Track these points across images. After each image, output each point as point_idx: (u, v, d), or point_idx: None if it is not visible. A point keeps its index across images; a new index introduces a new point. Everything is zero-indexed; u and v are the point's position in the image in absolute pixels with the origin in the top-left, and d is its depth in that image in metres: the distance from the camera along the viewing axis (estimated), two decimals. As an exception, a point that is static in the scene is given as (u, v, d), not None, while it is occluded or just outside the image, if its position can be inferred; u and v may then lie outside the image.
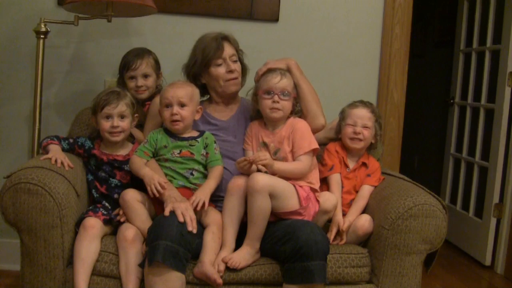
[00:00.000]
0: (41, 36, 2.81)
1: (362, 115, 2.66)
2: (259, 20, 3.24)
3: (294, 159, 2.43)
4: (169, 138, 2.48)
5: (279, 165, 2.37)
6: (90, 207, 2.43)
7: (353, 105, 2.71)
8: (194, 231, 2.17)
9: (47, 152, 2.45)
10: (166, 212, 2.18)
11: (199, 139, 2.49)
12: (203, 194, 2.33)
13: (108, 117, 2.48)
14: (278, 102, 2.43)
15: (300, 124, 2.49)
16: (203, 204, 2.28)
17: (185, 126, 2.47)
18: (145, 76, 2.75)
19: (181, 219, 2.15)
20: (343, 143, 2.69)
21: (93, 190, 2.53)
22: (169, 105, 2.44)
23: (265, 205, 2.25)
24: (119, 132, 2.49)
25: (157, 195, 2.31)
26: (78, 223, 2.30)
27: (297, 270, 2.12)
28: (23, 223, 2.18)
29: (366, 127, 2.65)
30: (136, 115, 2.58)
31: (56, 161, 2.37)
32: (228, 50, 2.59)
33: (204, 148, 2.49)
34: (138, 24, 3.17)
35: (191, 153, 2.46)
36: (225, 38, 2.61)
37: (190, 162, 2.46)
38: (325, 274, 2.14)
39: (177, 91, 2.44)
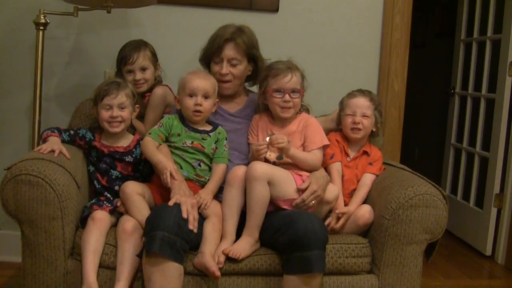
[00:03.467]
0: (41, 28, 2.80)
1: (361, 104, 2.66)
2: (258, 11, 3.23)
3: None
4: (183, 127, 2.49)
5: (295, 151, 2.42)
6: (93, 201, 2.43)
7: (351, 95, 2.71)
8: (195, 230, 2.19)
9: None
10: (171, 202, 2.20)
11: (211, 134, 2.51)
12: (207, 194, 2.38)
13: (108, 107, 2.48)
14: (289, 101, 2.46)
15: (312, 120, 2.54)
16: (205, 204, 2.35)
17: (205, 117, 2.50)
18: (143, 69, 2.75)
19: (185, 216, 2.17)
20: (344, 133, 2.69)
21: (95, 182, 2.53)
22: (193, 95, 2.45)
23: (263, 193, 2.27)
24: (118, 122, 2.49)
25: (168, 185, 2.32)
26: (83, 218, 2.32)
27: (295, 260, 2.12)
28: (24, 215, 2.18)
29: (366, 116, 2.65)
30: (137, 106, 2.58)
31: (52, 151, 2.36)
32: (228, 52, 2.58)
33: (215, 143, 2.50)
34: (138, 15, 3.16)
35: (202, 146, 2.47)
36: (232, 39, 2.58)
37: (199, 154, 2.47)
38: (323, 263, 2.15)
39: (203, 82, 2.46)
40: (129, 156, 2.53)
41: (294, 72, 2.47)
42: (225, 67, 2.58)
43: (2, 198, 2.20)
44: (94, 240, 2.22)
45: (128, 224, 2.27)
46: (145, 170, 2.56)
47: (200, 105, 2.44)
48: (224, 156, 2.51)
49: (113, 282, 2.20)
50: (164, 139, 2.48)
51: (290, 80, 2.45)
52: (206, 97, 2.46)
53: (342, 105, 2.72)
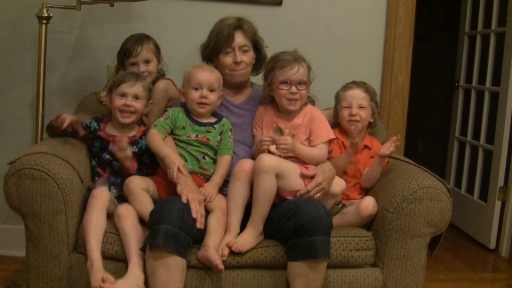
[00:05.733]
0: (44, 22, 2.80)
1: (356, 95, 2.66)
2: (262, 4, 3.22)
3: (310, 147, 2.48)
4: (188, 120, 2.49)
5: (300, 149, 2.42)
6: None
7: (346, 87, 2.71)
8: (202, 227, 2.20)
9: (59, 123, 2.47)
10: (184, 199, 2.20)
11: (216, 126, 2.51)
12: (212, 187, 2.39)
13: (123, 95, 2.48)
14: (296, 93, 2.45)
15: (318, 113, 2.53)
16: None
17: (210, 110, 2.50)
18: (147, 61, 2.74)
19: (194, 215, 2.18)
20: (342, 127, 2.68)
21: (96, 178, 2.52)
22: (198, 88, 2.45)
23: (271, 185, 2.28)
24: (130, 113, 2.49)
25: (174, 180, 2.31)
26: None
27: (300, 246, 2.13)
28: (28, 209, 2.18)
29: (362, 107, 2.65)
30: (150, 101, 2.58)
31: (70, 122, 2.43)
32: (239, 40, 2.59)
33: (220, 135, 2.50)
34: (141, 9, 3.14)
35: (208, 139, 2.47)
36: (239, 27, 2.60)
37: (204, 147, 2.47)
38: (329, 249, 2.15)
39: (208, 75, 2.46)
40: (134, 146, 2.52)
41: (301, 64, 2.46)
42: (239, 55, 2.58)
43: (5, 192, 2.20)
44: (95, 218, 2.23)
45: (122, 209, 2.29)
46: (148, 162, 2.56)
47: (206, 97, 2.44)
48: (229, 148, 2.51)
49: (119, 273, 2.20)
50: (169, 131, 2.48)
51: (297, 72, 2.44)
52: (211, 90, 2.46)
53: (338, 98, 2.72)
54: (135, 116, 2.52)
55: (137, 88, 2.49)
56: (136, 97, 2.50)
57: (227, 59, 2.59)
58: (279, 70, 2.46)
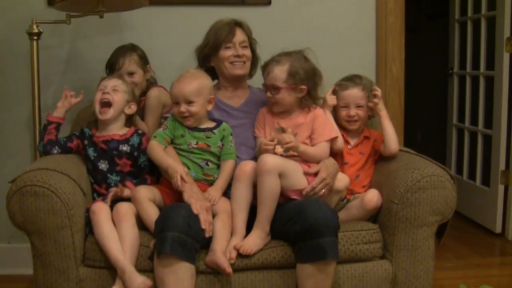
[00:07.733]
0: (34, 38, 2.79)
1: (354, 95, 2.65)
2: (251, 5, 3.22)
3: (312, 145, 2.48)
4: (186, 128, 2.47)
5: (304, 148, 2.42)
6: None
7: (343, 86, 2.68)
8: (210, 235, 2.22)
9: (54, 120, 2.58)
10: (195, 211, 2.21)
11: (215, 131, 2.49)
12: (215, 191, 2.39)
13: (102, 89, 2.53)
14: (270, 97, 2.48)
15: (320, 112, 2.54)
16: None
17: (196, 120, 2.47)
18: (130, 74, 2.74)
19: (203, 226, 2.19)
20: (341, 125, 2.67)
21: (94, 194, 2.51)
22: (177, 102, 2.44)
23: (275, 185, 2.27)
24: (107, 108, 2.50)
25: (179, 188, 2.31)
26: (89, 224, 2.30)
27: (308, 248, 2.12)
28: (32, 226, 2.18)
29: (360, 106, 2.64)
30: (132, 103, 2.57)
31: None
32: (239, 36, 2.62)
33: (221, 140, 2.49)
34: (131, 18, 3.14)
35: (208, 145, 2.46)
36: (238, 24, 2.65)
37: (206, 154, 2.46)
38: (337, 250, 2.15)
39: (183, 88, 2.42)
40: (126, 145, 2.51)
41: (275, 67, 2.45)
42: (240, 49, 2.60)
43: (9, 211, 2.20)
44: (105, 229, 2.21)
45: (120, 207, 2.28)
46: (145, 164, 2.56)
47: (184, 111, 2.42)
48: (231, 152, 2.50)
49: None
50: (169, 141, 2.47)
51: (267, 77, 2.47)
52: (189, 102, 2.42)
53: (336, 95, 2.69)
54: (113, 110, 2.50)
55: (115, 81, 2.54)
56: (114, 89, 2.51)
57: (228, 52, 2.60)
58: (262, 73, 2.51)
